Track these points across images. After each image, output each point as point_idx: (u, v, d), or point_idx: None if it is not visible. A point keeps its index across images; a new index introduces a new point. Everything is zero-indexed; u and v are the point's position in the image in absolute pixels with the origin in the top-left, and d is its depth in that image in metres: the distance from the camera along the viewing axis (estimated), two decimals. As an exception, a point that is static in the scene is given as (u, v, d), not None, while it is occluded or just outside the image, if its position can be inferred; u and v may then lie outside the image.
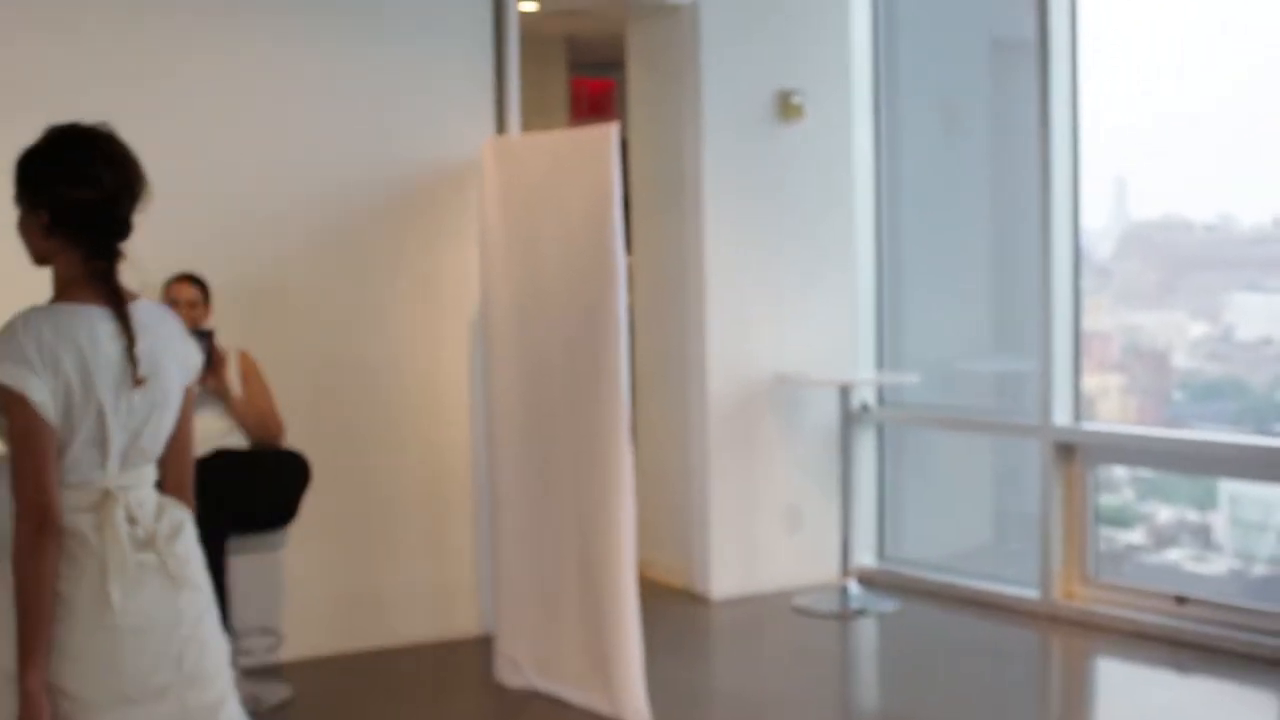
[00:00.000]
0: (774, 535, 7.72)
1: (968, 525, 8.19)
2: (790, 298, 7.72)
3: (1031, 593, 7.28)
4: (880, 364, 8.07)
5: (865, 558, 7.97)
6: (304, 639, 6.54)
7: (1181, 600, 6.83)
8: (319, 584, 6.60)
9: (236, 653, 6.05)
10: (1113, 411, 7.43)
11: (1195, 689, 6.29)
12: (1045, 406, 7.17)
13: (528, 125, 7.28)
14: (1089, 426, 7.15)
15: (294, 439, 6.12)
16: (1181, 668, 6.43)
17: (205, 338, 5.76)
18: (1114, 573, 7.23)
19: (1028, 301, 7.28)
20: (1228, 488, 6.96)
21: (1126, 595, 7.05)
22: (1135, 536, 7.37)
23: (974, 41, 8.15)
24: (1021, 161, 7.32)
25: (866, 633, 7.20)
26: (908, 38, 8.07)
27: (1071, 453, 7.16)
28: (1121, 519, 7.41)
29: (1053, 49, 7.11)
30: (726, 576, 7.59)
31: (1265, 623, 6.49)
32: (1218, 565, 7.06)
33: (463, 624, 6.88)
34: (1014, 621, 7.19)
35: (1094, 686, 6.69)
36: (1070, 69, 7.16)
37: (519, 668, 6.12)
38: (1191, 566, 7.12)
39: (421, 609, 6.82)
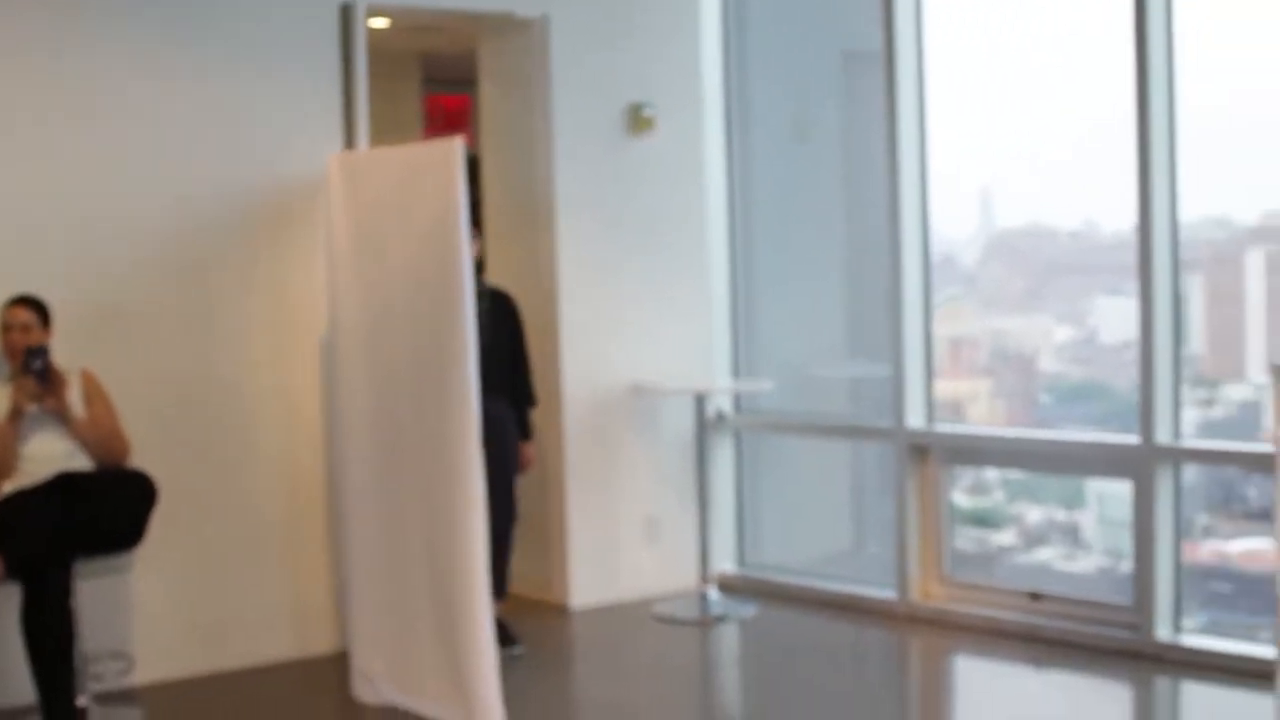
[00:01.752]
0: (633, 544, 7.74)
1: (827, 530, 8.26)
2: (645, 308, 7.75)
3: (889, 594, 7.35)
4: (736, 372, 8.12)
5: (725, 564, 8.01)
6: (157, 662, 6.45)
7: (1036, 596, 6.94)
8: (171, 606, 6.51)
9: (87, 678, 5.97)
10: (981, 415, 7.53)
11: (1051, 683, 6.38)
12: (898, 410, 7.26)
13: (382, 143, 7.24)
14: (941, 428, 7.25)
15: (141, 459, 6.03)
16: (1038, 663, 6.53)
17: (39, 355, 5.66)
18: (977, 572, 7.33)
19: (882, 307, 7.36)
20: (1095, 487, 7.08)
21: (982, 594, 7.15)
22: (1006, 538, 7.47)
23: (825, 53, 8.22)
24: (873, 170, 7.42)
25: (727, 638, 7.23)
26: (758, 49, 8.14)
27: (925, 454, 7.25)
28: (992, 520, 7.51)
29: (899, 60, 7.22)
30: (586, 587, 7.60)
31: (1116, 615, 6.61)
32: (1086, 564, 7.17)
33: (320, 642, 6.82)
34: (873, 623, 7.26)
35: (952, 684, 6.77)
36: (917, 80, 7.26)
37: (375, 684, 6.07)
38: (1061, 565, 7.23)
39: (277, 627, 6.76)
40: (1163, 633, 6.41)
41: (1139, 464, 6.44)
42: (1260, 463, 6.03)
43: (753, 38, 8.14)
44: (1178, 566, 6.45)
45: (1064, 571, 7.21)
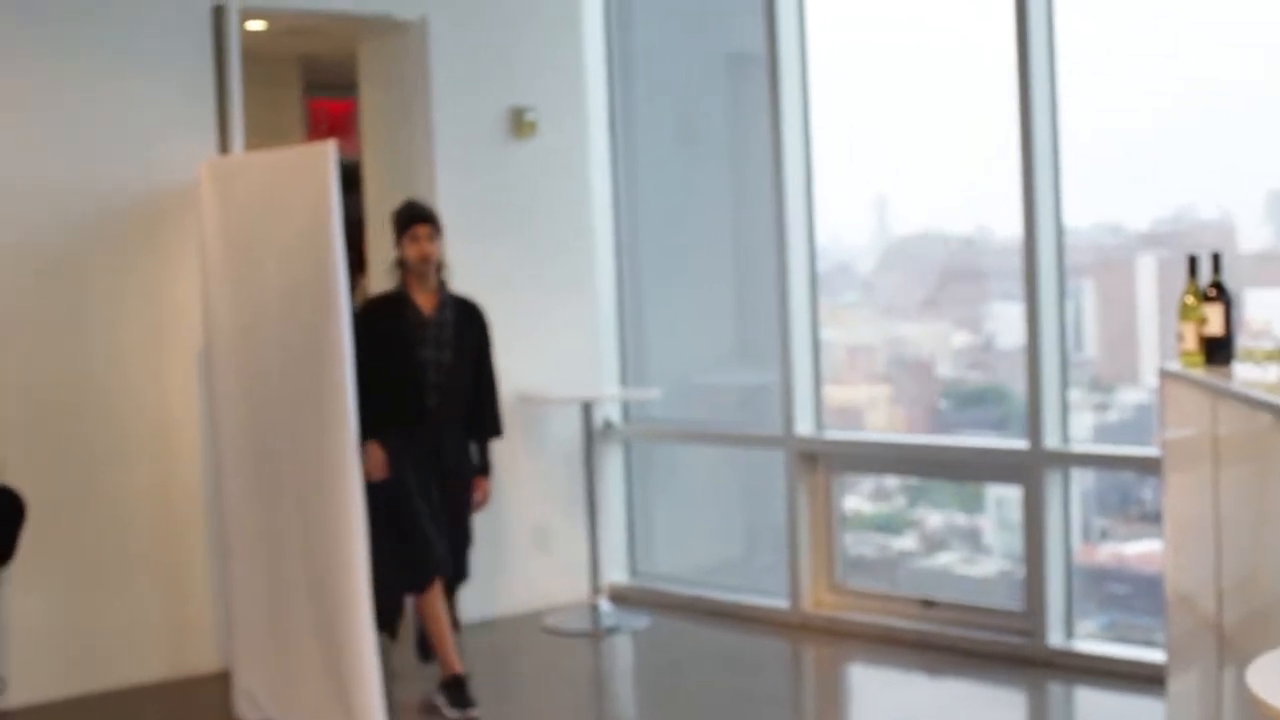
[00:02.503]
0: (523, 556, 7.63)
1: (719, 539, 8.20)
2: (531, 315, 7.63)
3: (781, 603, 7.30)
4: (624, 380, 8.04)
5: (616, 575, 7.92)
6: (32, 684, 6.25)
7: (929, 604, 6.92)
8: (46, 626, 6.32)
9: (-44, 702, 5.79)
10: (880, 422, 7.51)
11: (944, 690, 6.38)
12: (788, 417, 7.20)
13: (261, 148, 7.09)
14: (830, 435, 7.21)
15: (12, 474, 5.85)
16: (931, 670, 6.50)
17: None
18: (873, 579, 7.30)
19: (770, 313, 7.30)
20: (995, 491, 7.08)
21: (875, 601, 7.12)
22: (907, 543, 7.45)
23: (710, 56, 8.17)
24: (760, 175, 7.36)
25: (619, 650, 7.16)
26: (643, 53, 8.07)
27: (814, 462, 7.21)
28: (892, 526, 7.49)
29: (782, 64, 7.18)
30: (475, 600, 7.44)
31: (1008, 621, 6.61)
32: (986, 568, 7.16)
33: (201, 660, 6.64)
34: (765, 632, 7.21)
35: (846, 692, 6.74)
36: (801, 84, 7.22)
37: (256, 701, 5.94)
38: (961, 570, 7.22)
39: (157, 647, 6.58)
40: (1055, 638, 6.41)
41: (1028, 469, 6.44)
42: (1147, 466, 6.04)
43: (636, 40, 8.07)
44: (1069, 572, 6.46)
45: (963, 576, 7.21)
